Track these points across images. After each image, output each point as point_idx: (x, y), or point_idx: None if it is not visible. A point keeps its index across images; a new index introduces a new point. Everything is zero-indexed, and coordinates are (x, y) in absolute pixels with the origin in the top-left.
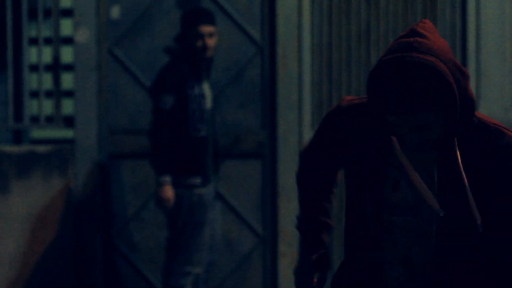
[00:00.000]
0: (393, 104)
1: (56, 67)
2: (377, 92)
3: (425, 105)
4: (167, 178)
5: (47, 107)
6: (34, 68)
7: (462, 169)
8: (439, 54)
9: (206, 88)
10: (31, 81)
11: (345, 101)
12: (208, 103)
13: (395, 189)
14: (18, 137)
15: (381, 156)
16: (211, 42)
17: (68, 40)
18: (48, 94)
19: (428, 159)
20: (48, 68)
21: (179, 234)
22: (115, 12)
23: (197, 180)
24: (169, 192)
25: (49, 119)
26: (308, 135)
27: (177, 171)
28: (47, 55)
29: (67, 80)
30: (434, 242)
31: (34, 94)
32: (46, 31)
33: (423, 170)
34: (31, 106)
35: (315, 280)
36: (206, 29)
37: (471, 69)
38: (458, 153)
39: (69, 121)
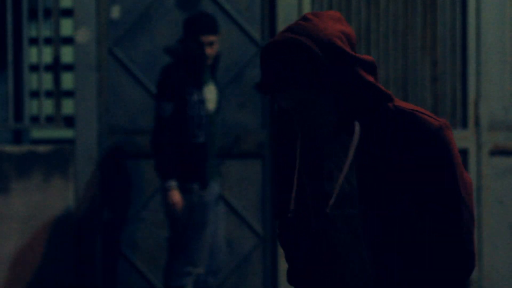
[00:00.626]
0: (271, 82)
1: (56, 67)
2: (261, 74)
3: (296, 82)
4: (173, 183)
5: (47, 107)
6: (34, 68)
7: (351, 154)
8: (313, 35)
9: (209, 92)
10: (31, 81)
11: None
12: (211, 106)
13: (329, 180)
14: (18, 137)
15: (315, 148)
16: (211, 51)
17: (68, 40)
18: (48, 94)
19: (341, 146)
20: (48, 68)
21: (180, 234)
22: (115, 12)
23: (195, 186)
24: (176, 196)
25: (49, 119)
26: None
27: (177, 176)
28: (47, 55)
29: (67, 80)
30: (363, 237)
31: (34, 94)
32: (46, 31)
33: (338, 158)
34: (31, 106)
35: None
36: (207, 39)
37: (471, 69)
38: (355, 138)
39: (69, 121)
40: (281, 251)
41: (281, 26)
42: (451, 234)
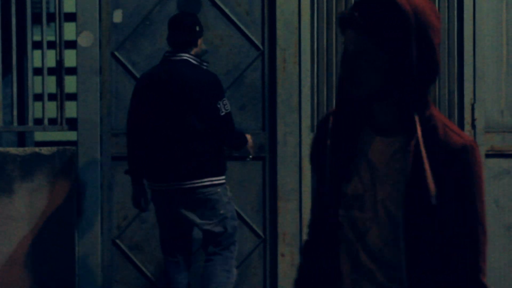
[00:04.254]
0: (354, 16)
1: (59, 71)
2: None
3: (376, 29)
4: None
5: (51, 109)
6: (37, 71)
7: (424, 156)
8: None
9: None
10: (35, 84)
11: (331, 111)
12: None
13: (347, 181)
14: (22, 139)
15: (345, 149)
16: None
17: (71, 44)
18: (52, 97)
19: (394, 144)
20: (51, 71)
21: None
22: (117, 16)
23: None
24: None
25: (53, 122)
26: (307, 137)
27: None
28: (50, 58)
29: (70, 83)
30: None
31: (38, 97)
32: (49, 35)
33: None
34: (35, 109)
35: None
36: None
37: (467, 73)
38: (420, 136)
39: (72, 124)
40: (281, 252)
41: (281, 30)
42: (465, 253)
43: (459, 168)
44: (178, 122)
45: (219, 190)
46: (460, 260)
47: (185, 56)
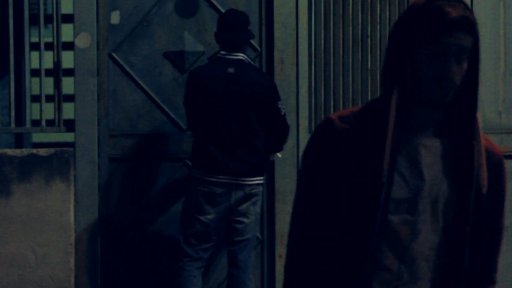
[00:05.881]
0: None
1: (57, 72)
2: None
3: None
4: None
5: (48, 111)
6: (35, 72)
7: (483, 163)
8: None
9: None
10: (32, 85)
11: (334, 116)
12: None
13: (390, 184)
14: (19, 140)
15: (380, 154)
16: None
17: (69, 45)
18: (49, 98)
19: (447, 145)
20: (49, 72)
21: None
22: (115, 17)
23: None
24: None
25: (50, 123)
26: (304, 138)
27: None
28: (48, 60)
29: (68, 85)
30: (439, 241)
31: (35, 98)
32: (47, 37)
33: (439, 158)
34: (33, 110)
35: None
36: None
37: None
38: (480, 137)
39: (69, 125)
40: (278, 253)
41: (278, 31)
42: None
43: (500, 172)
44: (240, 120)
45: (261, 189)
46: (487, 258)
47: (241, 55)
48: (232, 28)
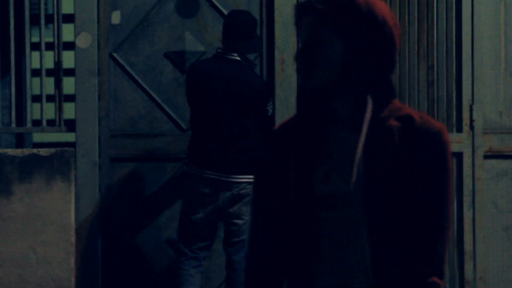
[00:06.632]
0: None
1: (57, 72)
2: None
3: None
4: None
5: (49, 111)
6: (36, 72)
7: (360, 146)
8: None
9: None
10: (33, 85)
11: (276, 126)
12: None
13: (325, 182)
14: (20, 140)
15: (311, 150)
16: None
17: (70, 45)
18: (50, 98)
19: (352, 141)
20: (49, 72)
21: None
22: (115, 17)
23: None
24: None
25: (51, 123)
26: None
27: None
28: (48, 60)
29: (69, 85)
30: (366, 237)
31: (36, 98)
32: (48, 37)
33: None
34: (33, 110)
35: None
36: None
37: (465, 74)
38: (368, 114)
39: (70, 125)
40: None
41: (279, 31)
42: (428, 232)
43: (435, 152)
44: (239, 120)
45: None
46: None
47: (238, 57)
48: (235, 35)
